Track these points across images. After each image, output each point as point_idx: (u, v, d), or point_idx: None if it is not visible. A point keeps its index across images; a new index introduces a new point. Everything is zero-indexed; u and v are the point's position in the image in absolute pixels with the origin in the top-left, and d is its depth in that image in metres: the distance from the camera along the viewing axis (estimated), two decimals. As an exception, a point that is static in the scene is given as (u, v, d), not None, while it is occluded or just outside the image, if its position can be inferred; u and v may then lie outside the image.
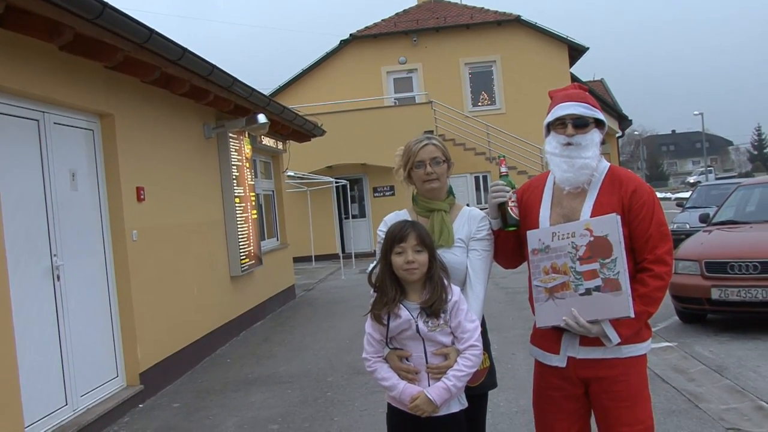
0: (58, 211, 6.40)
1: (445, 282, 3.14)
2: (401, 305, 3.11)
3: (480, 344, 3.14)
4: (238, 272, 10.78)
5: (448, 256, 3.29)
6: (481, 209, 3.49)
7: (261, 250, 12.24)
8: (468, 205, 3.63)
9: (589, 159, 3.11)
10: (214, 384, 8.06)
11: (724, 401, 6.10)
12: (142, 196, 7.76)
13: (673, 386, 6.59)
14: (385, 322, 3.12)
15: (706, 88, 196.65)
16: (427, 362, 3.11)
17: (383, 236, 3.32)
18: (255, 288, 11.96)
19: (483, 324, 3.34)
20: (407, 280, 3.12)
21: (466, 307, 3.16)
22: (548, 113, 3.23)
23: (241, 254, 10.87)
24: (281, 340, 10.35)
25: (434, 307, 3.07)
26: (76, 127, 6.93)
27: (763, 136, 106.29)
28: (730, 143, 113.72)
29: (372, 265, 3.29)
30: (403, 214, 3.52)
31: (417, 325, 3.08)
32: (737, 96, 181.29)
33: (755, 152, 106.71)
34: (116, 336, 7.33)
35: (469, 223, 3.40)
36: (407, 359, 3.14)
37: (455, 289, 3.16)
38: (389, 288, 3.13)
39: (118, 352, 7.33)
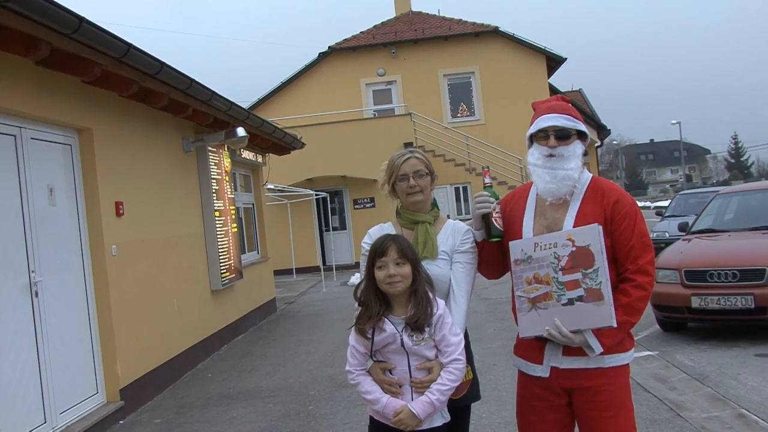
0: (35, 227, 6.34)
1: (430, 296, 3.14)
2: (386, 319, 3.11)
3: (463, 358, 3.14)
4: (218, 286, 10.72)
5: (432, 268, 3.29)
6: (462, 221, 3.49)
7: (241, 263, 12.19)
8: (449, 216, 3.66)
9: (571, 170, 3.13)
10: (196, 399, 8.00)
11: (705, 410, 6.12)
12: (121, 211, 7.70)
13: (655, 395, 6.61)
14: (370, 336, 3.12)
15: (683, 97, 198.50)
16: (411, 376, 3.11)
17: (368, 248, 3.34)
18: (236, 302, 11.90)
19: (466, 336, 3.33)
20: (391, 294, 3.12)
21: (451, 320, 3.16)
22: (531, 124, 3.25)
23: (222, 268, 10.82)
24: (262, 354, 10.29)
25: (419, 322, 3.07)
26: (54, 142, 6.88)
27: (740, 145, 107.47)
28: (708, 152, 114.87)
29: (358, 281, 3.28)
30: (388, 227, 3.54)
31: (401, 339, 3.09)
32: (714, 105, 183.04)
33: (732, 160, 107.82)
34: (96, 352, 7.26)
35: (454, 236, 3.42)
36: (390, 372, 3.14)
37: (440, 303, 3.16)
38: (373, 302, 3.14)
39: (97, 367, 7.26)
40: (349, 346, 3.23)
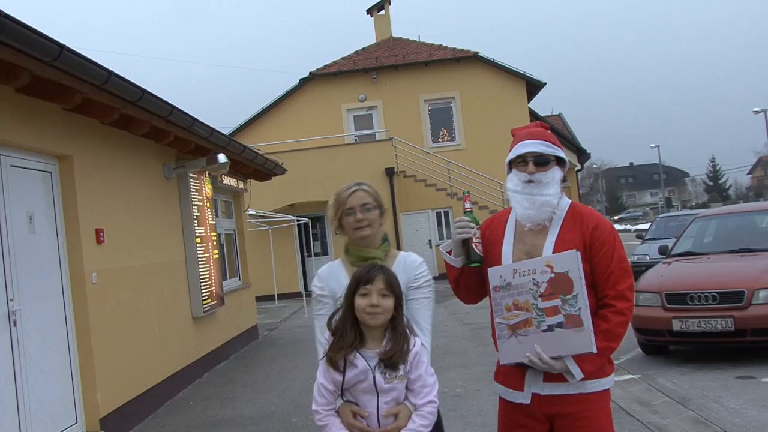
0: (15, 255, 6.30)
1: (408, 333, 3.04)
2: (358, 353, 2.97)
3: (438, 401, 3.06)
4: (200, 313, 10.66)
5: None
6: (441, 244, 3.46)
7: (223, 290, 12.14)
8: (407, 252, 3.49)
9: (549, 196, 3.15)
10: (177, 428, 7.92)
11: (688, 433, 6.14)
12: (101, 238, 7.66)
13: (637, 419, 6.62)
14: (342, 369, 2.96)
15: (661, 121, 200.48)
16: (379, 422, 2.97)
17: (319, 291, 3.27)
18: (218, 329, 11.83)
19: None
20: (368, 325, 2.98)
21: (427, 359, 3.08)
22: (510, 151, 3.27)
23: (203, 295, 10.77)
24: (245, 381, 10.23)
25: (394, 358, 2.94)
26: (34, 169, 6.85)
27: (718, 168, 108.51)
28: (687, 174, 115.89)
29: (332, 312, 3.16)
30: (336, 265, 3.40)
31: (374, 377, 2.95)
32: (692, 129, 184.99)
33: (711, 183, 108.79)
34: (75, 380, 7.19)
35: (406, 271, 3.27)
36: (363, 417, 3.00)
37: (417, 340, 3.06)
38: (349, 332, 2.99)
39: (77, 396, 7.18)
40: (315, 383, 3.07)
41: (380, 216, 3.36)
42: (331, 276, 3.36)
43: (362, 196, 3.31)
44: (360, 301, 2.99)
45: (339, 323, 3.05)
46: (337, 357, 2.97)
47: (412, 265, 3.30)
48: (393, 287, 3.01)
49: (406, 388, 3.02)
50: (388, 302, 2.98)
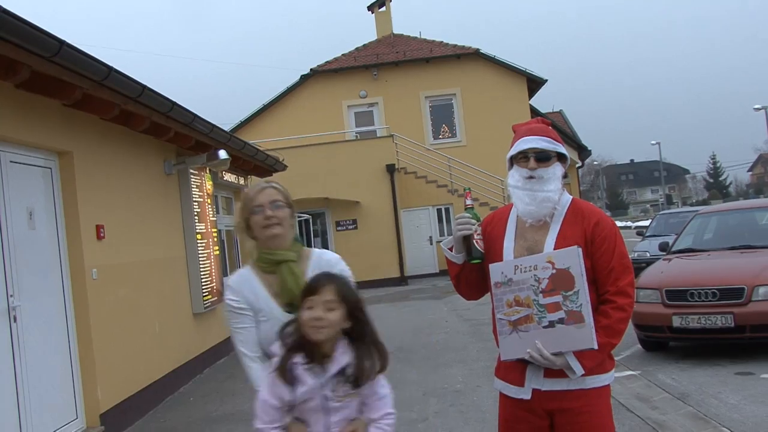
0: (15, 251, 6.30)
1: (373, 349, 2.84)
2: (308, 370, 2.76)
3: (394, 410, 2.91)
4: (200, 309, 10.66)
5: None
6: (443, 241, 3.44)
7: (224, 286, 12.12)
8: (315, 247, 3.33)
9: (551, 192, 3.15)
10: (177, 423, 7.93)
11: (687, 429, 6.14)
12: (102, 234, 7.66)
13: (637, 415, 6.62)
14: (291, 385, 2.77)
15: (662, 118, 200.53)
16: None
17: (235, 305, 3.05)
18: (218, 324, 11.82)
19: None
20: (312, 340, 2.76)
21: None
22: (511, 147, 3.27)
23: (204, 291, 10.77)
24: (245, 377, 10.18)
25: (357, 376, 2.75)
26: (34, 165, 6.85)
27: (718, 165, 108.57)
28: (687, 171, 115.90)
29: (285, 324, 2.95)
30: (247, 273, 3.16)
31: (325, 395, 2.76)
32: (692, 126, 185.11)
33: (711, 180, 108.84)
34: (76, 376, 7.19)
35: (324, 269, 3.06)
36: None
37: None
38: (300, 346, 2.79)
39: (77, 392, 7.19)
40: (259, 399, 2.90)
41: (291, 216, 3.16)
42: (244, 285, 3.12)
43: (272, 193, 3.11)
44: (304, 314, 2.78)
45: (293, 337, 2.84)
46: (286, 372, 2.78)
47: (327, 265, 3.11)
48: (345, 296, 2.80)
49: (361, 403, 2.86)
50: (334, 315, 2.76)
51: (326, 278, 2.84)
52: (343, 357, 2.77)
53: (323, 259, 3.16)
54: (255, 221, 3.08)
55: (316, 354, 2.77)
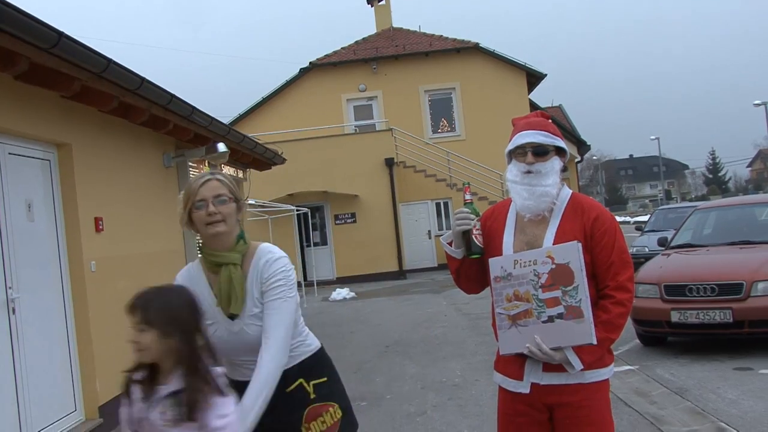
0: (13, 243, 6.29)
1: (219, 387, 2.56)
2: (140, 389, 2.57)
3: None
4: (199, 302, 10.63)
5: (244, 331, 2.82)
6: (442, 235, 3.43)
7: (222, 279, 12.10)
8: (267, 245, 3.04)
9: (549, 187, 3.14)
10: (175, 416, 7.91)
11: (685, 423, 6.15)
12: (100, 227, 7.65)
13: (635, 410, 6.63)
14: (131, 402, 2.59)
15: (661, 113, 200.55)
16: None
17: None
18: (216, 318, 11.81)
19: (331, 367, 3.27)
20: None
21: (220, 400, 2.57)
22: (510, 141, 3.26)
23: (202, 284, 10.74)
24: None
25: (183, 405, 2.49)
26: (33, 157, 6.83)
27: (717, 160, 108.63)
28: (686, 167, 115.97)
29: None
30: (194, 269, 3.00)
31: (148, 417, 2.53)
32: (691, 121, 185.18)
33: (710, 176, 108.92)
34: (74, 368, 7.19)
35: (260, 273, 2.89)
36: None
37: (230, 406, 2.57)
38: (144, 364, 2.59)
39: (76, 385, 7.19)
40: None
41: (237, 211, 2.92)
42: (192, 283, 2.93)
43: (216, 186, 2.86)
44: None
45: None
46: (128, 387, 2.61)
47: (269, 264, 2.90)
48: (150, 320, 2.53)
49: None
50: (145, 338, 2.52)
51: (138, 299, 2.63)
52: (178, 381, 2.53)
53: (263, 258, 2.92)
54: (197, 217, 2.86)
55: (157, 374, 2.57)
